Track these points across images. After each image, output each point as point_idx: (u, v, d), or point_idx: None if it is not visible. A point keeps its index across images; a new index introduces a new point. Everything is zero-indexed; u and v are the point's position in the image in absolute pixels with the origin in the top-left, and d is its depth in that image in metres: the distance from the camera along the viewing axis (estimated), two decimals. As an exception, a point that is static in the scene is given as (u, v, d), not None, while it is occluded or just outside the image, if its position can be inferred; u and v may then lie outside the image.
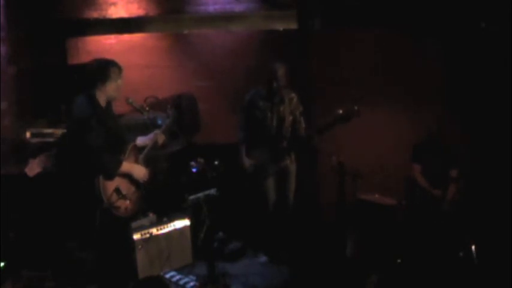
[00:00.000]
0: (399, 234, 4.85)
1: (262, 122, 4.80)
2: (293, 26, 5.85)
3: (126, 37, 6.22)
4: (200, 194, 4.39)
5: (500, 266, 4.39)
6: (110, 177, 3.68)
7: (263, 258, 4.95)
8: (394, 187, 5.27)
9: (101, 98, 3.74)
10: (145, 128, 4.28)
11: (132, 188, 3.86)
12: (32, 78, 5.85)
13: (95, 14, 6.24)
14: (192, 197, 4.37)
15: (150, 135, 4.07)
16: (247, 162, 4.86)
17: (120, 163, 3.73)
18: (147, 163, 4.01)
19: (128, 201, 3.78)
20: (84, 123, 3.59)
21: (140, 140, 4.05)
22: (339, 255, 4.82)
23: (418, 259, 4.61)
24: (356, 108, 4.51)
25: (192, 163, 4.98)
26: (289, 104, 4.81)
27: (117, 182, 3.73)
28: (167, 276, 4.36)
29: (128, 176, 3.82)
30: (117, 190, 3.70)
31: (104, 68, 3.72)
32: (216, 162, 4.89)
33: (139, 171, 3.89)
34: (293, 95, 4.84)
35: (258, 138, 4.85)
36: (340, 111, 4.53)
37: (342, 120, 4.54)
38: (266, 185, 4.87)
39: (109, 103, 3.84)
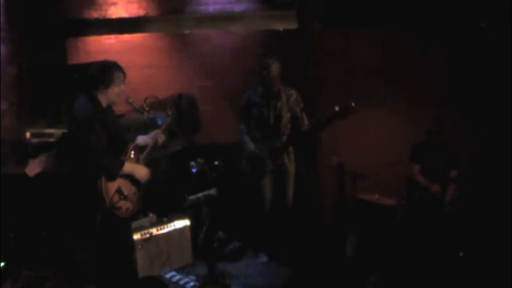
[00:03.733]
0: (399, 234, 4.85)
1: (259, 119, 4.81)
2: (293, 26, 5.85)
3: (126, 37, 6.22)
4: (200, 194, 4.39)
5: (501, 266, 4.39)
6: (112, 178, 3.67)
7: (263, 258, 4.95)
8: (394, 187, 5.28)
9: (102, 100, 3.73)
10: (145, 128, 4.28)
11: (133, 189, 3.86)
12: (32, 78, 5.85)
13: (95, 14, 6.24)
14: (192, 197, 4.37)
15: (151, 135, 4.06)
16: (251, 145, 4.82)
17: (122, 164, 3.72)
18: (148, 163, 4.01)
19: (129, 202, 3.78)
20: (85, 124, 3.57)
21: (140, 140, 4.05)
22: (339, 255, 4.82)
23: (418, 259, 4.61)
24: (353, 104, 4.50)
25: (192, 163, 4.97)
26: (287, 100, 4.80)
27: (119, 182, 3.73)
28: (167, 276, 4.37)
29: (130, 177, 3.81)
30: (119, 191, 3.70)
31: (109, 72, 3.69)
32: (216, 162, 4.88)
33: (141, 171, 3.89)
34: (292, 91, 4.84)
35: (256, 136, 4.85)
36: (337, 108, 4.52)
37: (338, 117, 4.53)
38: (263, 184, 4.87)
39: (109, 104, 3.83)
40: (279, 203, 4.93)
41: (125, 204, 3.75)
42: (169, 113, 4.20)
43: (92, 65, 3.82)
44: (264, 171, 4.84)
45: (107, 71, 3.69)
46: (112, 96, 3.73)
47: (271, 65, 4.67)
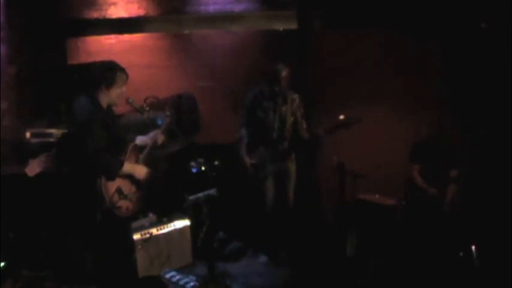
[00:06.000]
0: (399, 235, 4.85)
1: (264, 122, 4.81)
2: (293, 26, 5.85)
3: (126, 37, 6.22)
4: (200, 194, 4.39)
5: (501, 267, 4.39)
6: (111, 178, 3.67)
7: (263, 258, 4.95)
8: (394, 187, 5.27)
9: (103, 100, 3.73)
10: (145, 128, 4.28)
11: (133, 188, 3.86)
12: (32, 78, 5.85)
13: (95, 14, 6.24)
14: (192, 197, 4.37)
15: (150, 135, 4.06)
16: (247, 160, 4.84)
17: (121, 164, 3.72)
18: (147, 163, 4.01)
19: (129, 201, 3.78)
20: (86, 124, 3.57)
21: (140, 140, 4.05)
22: (339, 255, 4.82)
23: (418, 259, 4.61)
24: (358, 115, 4.52)
25: (192, 163, 4.97)
26: (291, 104, 4.82)
27: (119, 182, 3.73)
28: (167, 276, 4.36)
29: (129, 176, 3.82)
30: (119, 190, 3.70)
31: (112, 72, 3.69)
32: (216, 162, 4.88)
33: (141, 171, 3.89)
34: (295, 96, 4.85)
35: (259, 138, 4.85)
36: (342, 117, 4.53)
37: (342, 126, 4.55)
38: (266, 185, 4.87)
39: (109, 104, 3.83)
40: (280, 203, 4.93)
41: (124, 204, 3.75)
42: (168, 113, 4.20)
43: (95, 64, 3.83)
44: (267, 174, 4.84)
45: (110, 71, 3.70)
46: (113, 96, 3.73)
47: (282, 70, 4.67)
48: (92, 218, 3.67)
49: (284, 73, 4.67)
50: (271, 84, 4.69)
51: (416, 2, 5.48)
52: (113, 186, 3.68)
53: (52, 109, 5.56)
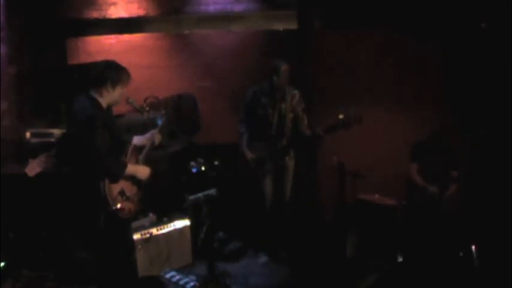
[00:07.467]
0: (399, 235, 4.85)
1: (263, 118, 4.82)
2: (293, 26, 5.85)
3: (126, 37, 6.22)
4: (200, 194, 4.39)
5: (501, 266, 4.39)
6: (115, 180, 3.66)
7: (263, 258, 4.95)
8: (394, 187, 5.28)
9: (103, 100, 3.71)
10: (145, 128, 4.27)
11: (135, 189, 3.86)
12: (32, 78, 5.86)
13: (95, 14, 6.24)
14: (192, 197, 4.37)
15: (147, 135, 4.05)
16: (249, 153, 4.85)
17: (125, 166, 3.71)
18: (147, 163, 4.01)
19: (131, 203, 3.78)
20: (87, 125, 3.54)
21: (137, 140, 4.03)
22: (339, 255, 4.82)
23: (418, 259, 4.61)
24: (358, 115, 4.52)
25: (192, 163, 4.97)
26: (290, 101, 4.83)
27: (121, 184, 3.72)
28: (167, 276, 4.36)
29: (131, 177, 3.81)
30: (122, 192, 3.69)
31: (118, 71, 3.68)
32: (216, 162, 4.88)
33: (143, 171, 3.88)
34: (295, 92, 4.87)
35: (258, 135, 4.86)
36: (341, 116, 4.53)
37: (342, 126, 4.55)
38: (264, 182, 4.88)
39: (109, 105, 3.82)
40: (278, 198, 4.94)
41: (127, 205, 3.74)
42: (164, 112, 4.20)
43: (97, 63, 3.81)
44: (266, 171, 4.84)
45: (115, 70, 3.69)
46: (116, 95, 3.72)
47: (281, 67, 4.68)
48: (95, 220, 3.66)
49: (283, 68, 4.69)
50: (271, 78, 4.70)
51: (416, 2, 5.48)
52: (115, 188, 3.67)
53: (52, 109, 5.56)
